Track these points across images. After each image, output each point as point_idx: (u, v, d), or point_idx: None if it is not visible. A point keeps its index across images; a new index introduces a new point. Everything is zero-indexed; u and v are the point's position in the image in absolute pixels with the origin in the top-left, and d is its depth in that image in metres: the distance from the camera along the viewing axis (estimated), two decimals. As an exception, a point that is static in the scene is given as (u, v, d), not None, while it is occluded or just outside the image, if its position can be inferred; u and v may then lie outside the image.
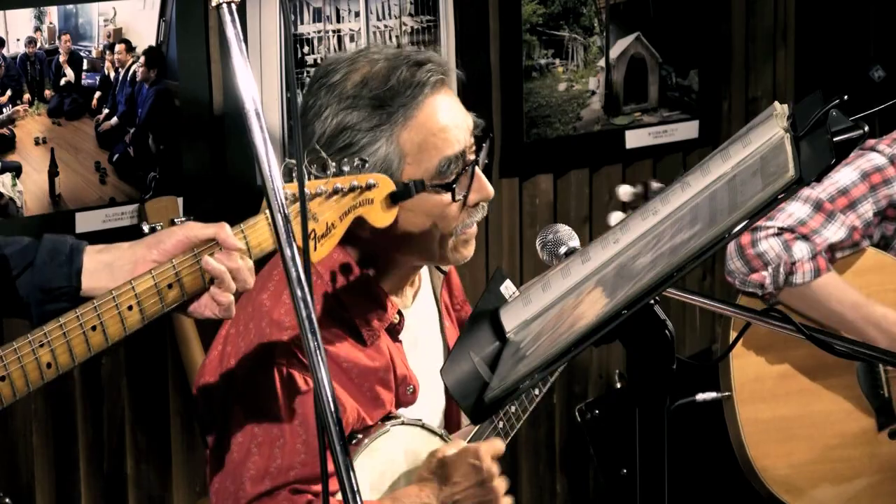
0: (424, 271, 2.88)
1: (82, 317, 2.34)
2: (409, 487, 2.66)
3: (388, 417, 2.70)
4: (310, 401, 2.54)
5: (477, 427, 2.82)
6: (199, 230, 2.41)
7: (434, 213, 2.66)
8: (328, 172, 2.46)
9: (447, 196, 2.64)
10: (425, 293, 2.87)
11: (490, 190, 2.70)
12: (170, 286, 2.37)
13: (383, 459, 2.66)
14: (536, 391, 2.93)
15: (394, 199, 2.50)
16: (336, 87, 2.66)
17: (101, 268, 2.42)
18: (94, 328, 2.34)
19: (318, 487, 2.54)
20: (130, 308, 2.36)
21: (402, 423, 2.69)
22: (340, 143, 2.64)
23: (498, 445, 2.72)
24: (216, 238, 2.39)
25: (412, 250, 2.70)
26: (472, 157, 2.68)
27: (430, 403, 2.84)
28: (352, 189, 2.46)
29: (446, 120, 2.65)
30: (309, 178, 2.43)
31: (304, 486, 2.56)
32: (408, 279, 2.78)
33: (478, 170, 2.69)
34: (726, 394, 3.81)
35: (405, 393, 2.74)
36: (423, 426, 2.73)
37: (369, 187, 2.48)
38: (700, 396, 3.83)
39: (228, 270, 2.38)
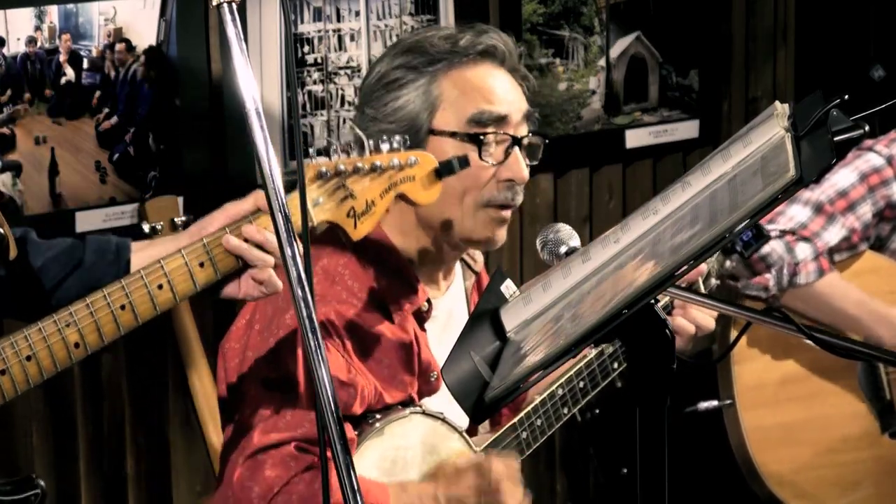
0: (458, 269, 2.89)
1: (110, 296, 2.33)
2: (419, 482, 2.66)
3: (408, 403, 2.70)
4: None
5: (498, 434, 2.82)
6: (239, 205, 2.41)
7: (461, 172, 2.67)
8: (366, 151, 2.45)
9: (473, 155, 2.66)
10: (457, 289, 2.88)
11: (524, 173, 2.72)
12: (201, 264, 2.35)
13: (396, 445, 2.66)
14: (566, 409, 2.94)
15: (438, 174, 2.50)
16: (400, 43, 2.76)
17: (148, 262, 2.40)
18: (122, 307, 2.33)
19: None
20: (161, 287, 2.34)
21: (423, 413, 2.69)
22: (385, 80, 2.71)
23: (511, 464, 2.72)
24: (257, 206, 2.38)
25: (445, 219, 2.69)
26: (517, 134, 2.71)
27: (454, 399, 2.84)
28: (392, 166, 2.45)
29: (496, 86, 2.71)
30: (348, 156, 2.43)
31: (309, 445, 2.56)
32: (441, 268, 2.80)
33: (517, 151, 2.70)
34: (728, 402, 3.81)
35: (428, 380, 2.75)
36: (444, 420, 2.72)
37: (410, 164, 2.46)
38: (703, 405, 3.83)
39: (257, 244, 2.36)
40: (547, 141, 2.79)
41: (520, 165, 2.71)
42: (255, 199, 2.40)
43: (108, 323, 2.33)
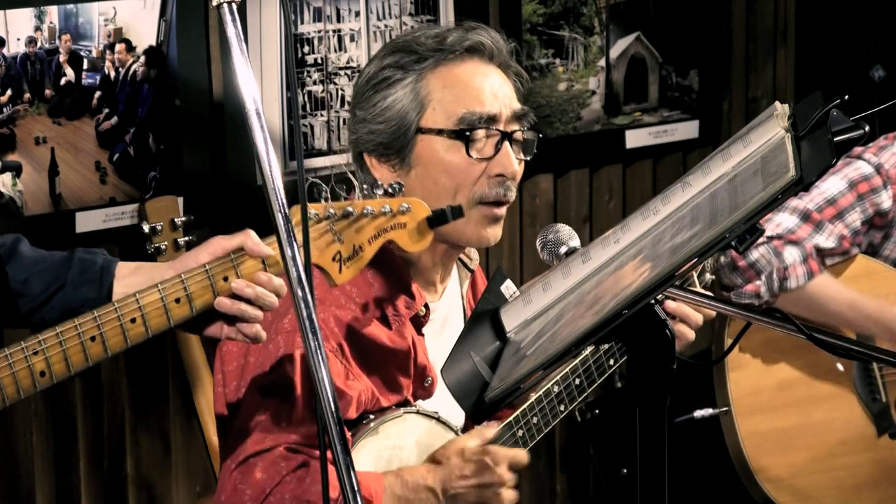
0: (455, 272, 2.89)
1: (80, 326, 2.29)
2: (418, 466, 2.66)
3: (403, 405, 2.70)
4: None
5: (496, 431, 2.82)
6: (225, 241, 2.36)
7: (450, 169, 2.65)
8: (357, 194, 2.42)
9: (461, 151, 2.65)
10: (453, 291, 2.88)
11: (514, 167, 2.70)
12: (177, 300, 2.32)
13: (391, 445, 2.66)
14: (562, 407, 2.93)
15: (430, 223, 2.44)
16: (390, 44, 2.75)
17: (131, 293, 2.35)
18: (93, 339, 2.29)
19: (316, 452, 2.53)
20: (133, 321, 2.31)
21: (417, 413, 2.69)
22: (374, 81, 2.70)
23: (520, 456, 2.72)
24: (243, 247, 2.34)
25: None
26: (508, 129, 2.70)
27: (453, 400, 2.84)
28: (383, 212, 2.40)
29: (484, 84, 2.69)
30: (338, 199, 2.39)
31: (302, 447, 2.56)
32: (438, 272, 2.79)
33: (507, 145, 2.69)
34: (724, 409, 3.81)
35: (423, 384, 2.75)
36: (438, 419, 2.72)
37: (402, 211, 2.41)
38: (698, 413, 3.82)
39: (249, 298, 2.32)
40: (541, 135, 2.78)
41: (510, 160, 2.69)
42: (243, 238, 2.35)
43: (77, 353, 2.29)
